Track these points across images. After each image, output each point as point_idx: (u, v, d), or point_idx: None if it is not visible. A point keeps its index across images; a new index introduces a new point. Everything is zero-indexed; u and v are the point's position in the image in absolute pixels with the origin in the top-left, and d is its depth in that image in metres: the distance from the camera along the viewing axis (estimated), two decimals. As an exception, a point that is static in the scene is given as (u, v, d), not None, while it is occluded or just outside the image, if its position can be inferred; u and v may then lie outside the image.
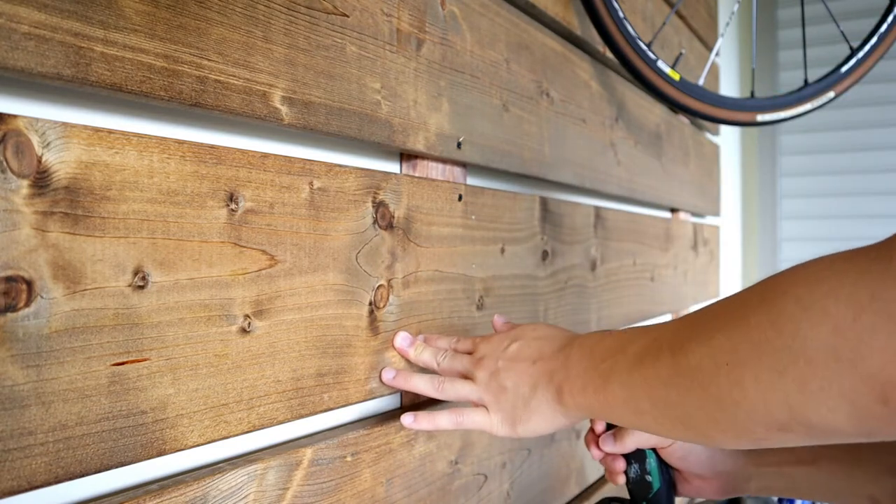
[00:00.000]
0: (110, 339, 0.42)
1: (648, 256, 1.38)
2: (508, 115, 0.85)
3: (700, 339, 0.44)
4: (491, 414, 0.59)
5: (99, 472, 0.41)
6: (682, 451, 0.66)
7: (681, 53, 1.10)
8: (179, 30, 0.45)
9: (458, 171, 0.78)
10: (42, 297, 0.38)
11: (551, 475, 0.98)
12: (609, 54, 1.11)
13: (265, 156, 0.52)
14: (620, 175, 1.22)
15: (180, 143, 0.46)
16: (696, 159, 1.74)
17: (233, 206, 0.50)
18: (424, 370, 0.66)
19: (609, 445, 0.66)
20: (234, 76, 0.49)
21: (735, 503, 1.29)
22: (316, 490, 0.57)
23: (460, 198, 0.77)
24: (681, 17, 1.60)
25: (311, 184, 0.57)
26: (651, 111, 1.39)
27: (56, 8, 0.38)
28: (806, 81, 1.16)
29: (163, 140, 0.45)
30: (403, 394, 0.72)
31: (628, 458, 0.67)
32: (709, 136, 1.95)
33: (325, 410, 0.58)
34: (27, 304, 0.37)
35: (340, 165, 0.60)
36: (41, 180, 0.38)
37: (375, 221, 0.64)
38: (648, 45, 1.03)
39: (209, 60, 0.47)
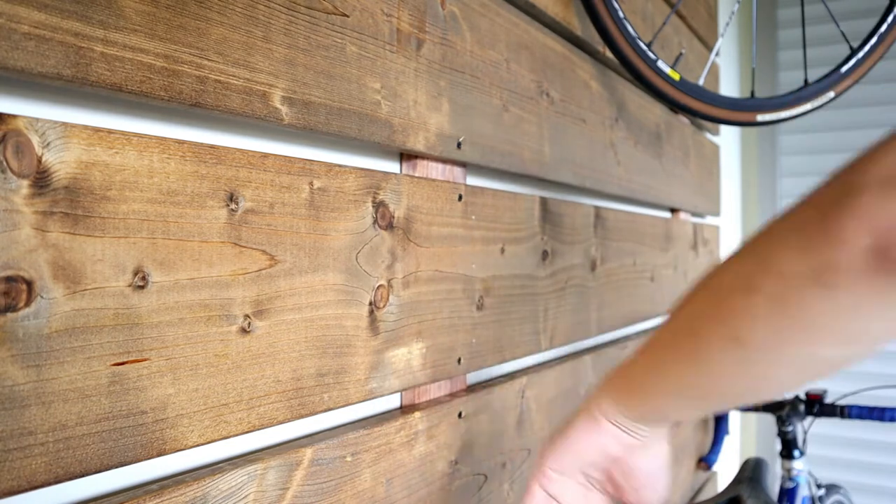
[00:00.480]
0: (110, 339, 0.42)
1: (648, 256, 1.38)
2: (508, 115, 0.85)
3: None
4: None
5: (99, 471, 0.41)
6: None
7: (681, 53, 1.10)
8: (179, 30, 0.45)
9: (458, 171, 0.78)
10: (42, 297, 0.38)
11: (551, 475, 0.98)
12: (609, 54, 1.11)
13: (265, 156, 0.52)
14: (620, 175, 1.22)
15: (180, 143, 0.46)
16: (696, 159, 1.74)
17: (233, 206, 0.50)
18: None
19: None
20: (234, 76, 0.49)
21: (735, 502, 1.29)
22: (316, 490, 0.57)
23: (460, 198, 0.77)
24: (681, 17, 1.60)
25: (311, 184, 0.57)
26: (651, 111, 1.39)
27: (56, 8, 0.38)
28: (806, 81, 1.16)
29: (163, 140, 0.45)
30: (403, 393, 0.73)
31: None
32: (709, 136, 1.95)
33: (326, 410, 0.58)
34: (27, 304, 0.37)
35: (340, 165, 0.60)
36: (41, 180, 0.38)
37: (375, 221, 0.64)
38: (648, 45, 1.03)
39: (209, 60, 0.47)
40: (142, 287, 0.43)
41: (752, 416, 2.58)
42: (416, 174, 0.72)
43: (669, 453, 0.54)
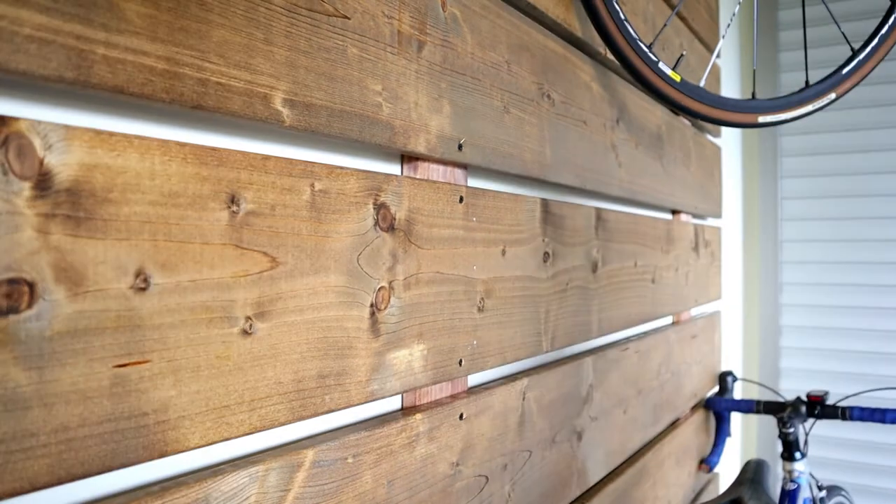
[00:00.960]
0: (112, 341, 0.42)
1: (650, 258, 1.38)
2: (509, 117, 0.85)
3: None
4: None
5: (101, 473, 0.41)
6: None
7: (682, 55, 1.10)
8: (181, 32, 0.45)
9: (459, 172, 0.78)
10: (44, 299, 0.38)
11: (552, 477, 0.98)
12: (610, 56, 1.11)
13: (266, 158, 0.53)
14: (621, 177, 1.22)
15: (182, 145, 0.46)
16: (697, 161, 1.74)
17: (234, 208, 0.50)
18: None
19: None
20: (236, 78, 0.49)
21: (735, 503, 1.29)
22: (317, 491, 0.57)
23: (461, 199, 0.77)
24: (682, 18, 1.60)
25: (312, 186, 0.57)
26: (652, 113, 1.39)
27: (58, 11, 0.38)
28: (807, 83, 1.16)
29: (164, 142, 0.45)
30: (404, 395, 0.73)
31: None
32: (710, 137, 1.95)
33: (327, 412, 0.59)
34: (29, 306, 0.37)
35: (341, 167, 0.60)
36: (43, 183, 0.38)
37: (376, 223, 0.64)
38: (649, 47, 1.03)
39: (210, 63, 0.47)
40: (143, 289, 0.43)
41: (754, 417, 2.58)
42: (418, 176, 0.72)
43: None
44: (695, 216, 1.79)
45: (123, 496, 0.45)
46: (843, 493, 1.58)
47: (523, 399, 0.90)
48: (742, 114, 1.13)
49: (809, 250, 2.52)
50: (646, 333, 1.41)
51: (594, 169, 1.10)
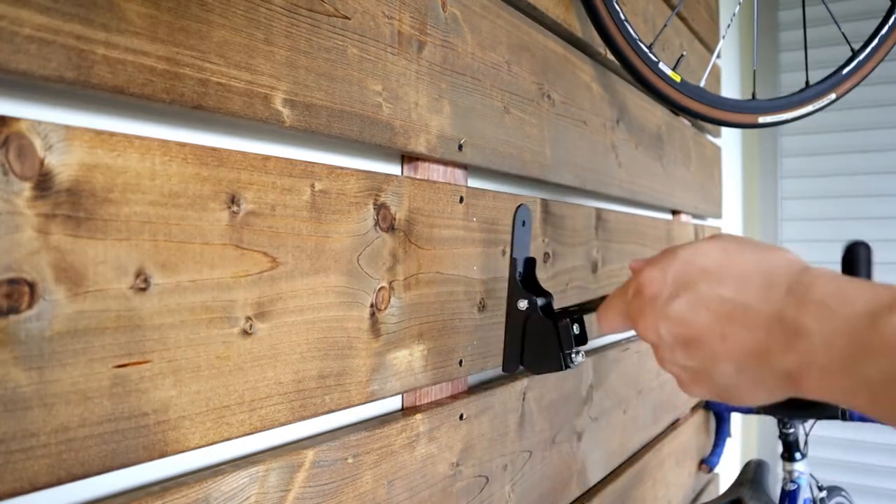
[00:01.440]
0: (112, 341, 0.42)
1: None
2: (510, 117, 0.85)
3: None
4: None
5: (101, 473, 0.41)
6: None
7: (682, 55, 1.10)
8: (181, 32, 0.45)
9: (459, 173, 0.78)
10: (44, 299, 0.38)
11: (553, 477, 0.98)
12: (610, 56, 1.11)
13: (266, 158, 0.53)
14: (621, 177, 1.22)
15: (182, 145, 0.46)
16: (697, 161, 1.74)
17: (234, 208, 0.50)
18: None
19: None
20: (236, 78, 0.49)
21: (735, 503, 1.29)
22: (317, 492, 0.57)
23: (461, 200, 0.77)
24: (682, 18, 1.60)
25: (312, 186, 0.57)
26: (652, 113, 1.39)
27: (58, 11, 0.38)
28: (807, 83, 1.16)
29: (164, 142, 0.45)
30: (404, 395, 0.73)
31: None
32: (710, 137, 1.95)
33: (327, 412, 0.59)
34: (30, 307, 0.37)
35: (342, 167, 0.60)
36: (43, 183, 0.38)
37: (377, 223, 0.64)
38: (649, 47, 1.03)
39: (211, 63, 0.47)
40: (144, 289, 0.43)
41: (754, 418, 2.58)
42: (418, 176, 0.72)
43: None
44: (695, 216, 1.79)
45: (123, 496, 0.45)
46: (843, 493, 1.58)
47: (523, 399, 0.90)
48: (742, 114, 1.13)
49: (809, 250, 2.52)
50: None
51: (594, 169, 1.10)
